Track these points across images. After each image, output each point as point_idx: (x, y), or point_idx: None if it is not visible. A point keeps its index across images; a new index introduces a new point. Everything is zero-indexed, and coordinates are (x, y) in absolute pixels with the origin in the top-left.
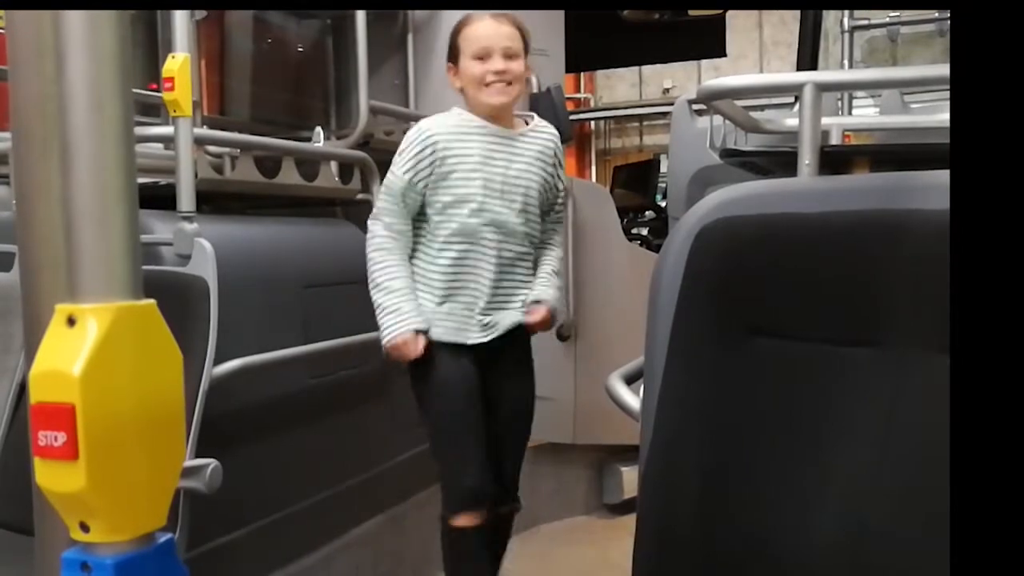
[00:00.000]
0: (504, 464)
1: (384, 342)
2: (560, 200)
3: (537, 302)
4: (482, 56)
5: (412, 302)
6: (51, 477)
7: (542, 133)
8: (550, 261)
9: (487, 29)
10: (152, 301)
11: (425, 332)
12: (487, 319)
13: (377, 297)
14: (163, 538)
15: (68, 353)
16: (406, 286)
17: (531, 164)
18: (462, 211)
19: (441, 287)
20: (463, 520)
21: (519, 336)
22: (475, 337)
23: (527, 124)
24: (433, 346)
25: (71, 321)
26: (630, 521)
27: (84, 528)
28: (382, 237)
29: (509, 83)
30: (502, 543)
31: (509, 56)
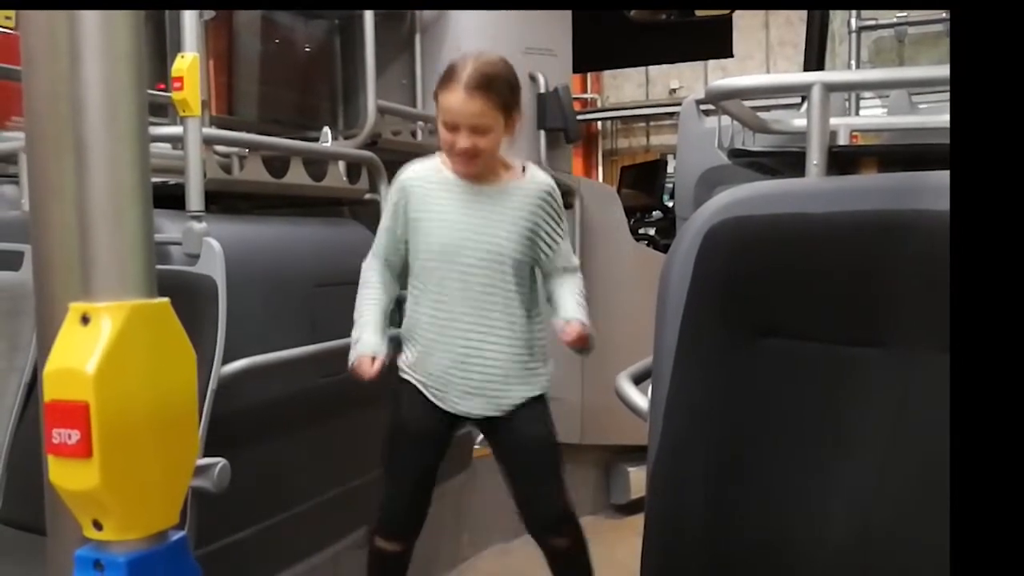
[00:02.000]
0: (536, 500)
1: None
2: (563, 254)
3: (568, 321)
4: (450, 128)
5: (371, 331)
6: (64, 475)
7: (529, 186)
8: (570, 290)
9: (457, 105)
10: (166, 300)
11: (380, 356)
12: (463, 391)
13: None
14: (176, 536)
15: (82, 351)
16: (372, 319)
17: (508, 219)
18: (428, 263)
19: (418, 337)
20: (380, 542)
21: (523, 408)
22: (451, 405)
23: (522, 172)
24: (405, 386)
25: (85, 319)
26: (637, 521)
27: (97, 526)
28: (364, 283)
29: (475, 156)
30: (570, 573)
31: (478, 132)
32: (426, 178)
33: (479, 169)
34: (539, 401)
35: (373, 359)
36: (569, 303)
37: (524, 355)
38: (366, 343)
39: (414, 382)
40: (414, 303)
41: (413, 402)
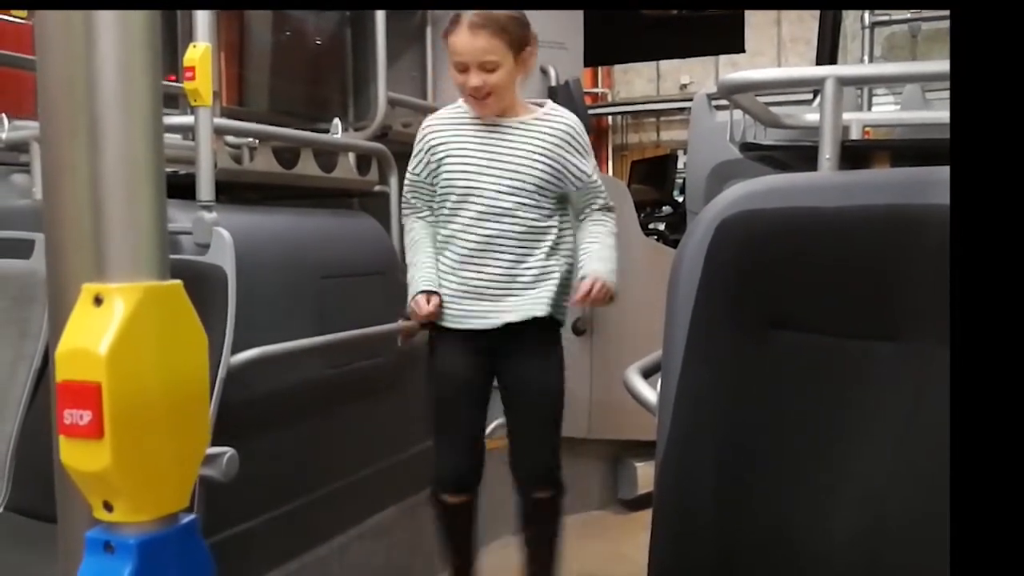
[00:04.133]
0: (531, 450)
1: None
2: (592, 190)
3: (583, 278)
4: (460, 69)
5: (425, 268)
6: (76, 456)
7: (550, 120)
8: (594, 238)
9: (462, 43)
10: (178, 281)
11: (435, 292)
12: (484, 307)
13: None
14: (187, 519)
15: (95, 332)
16: (426, 258)
17: (531, 151)
18: (452, 197)
19: (447, 272)
20: (447, 497)
21: (535, 329)
22: (475, 323)
23: (540, 109)
24: (439, 334)
25: (98, 300)
26: (644, 516)
27: (108, 507)
28: (407, 222)
29: (488, 94)
30: (544, 527)
31: (487, 69)
32: (447, 119)
33: (496, 107)
34: (551, 340)
35: (429, 297)
36: (591, 255)
37: (537, 271)
38: (421, 279)
39: (442, 323)
40: (444, 243)
41: (444, 344)
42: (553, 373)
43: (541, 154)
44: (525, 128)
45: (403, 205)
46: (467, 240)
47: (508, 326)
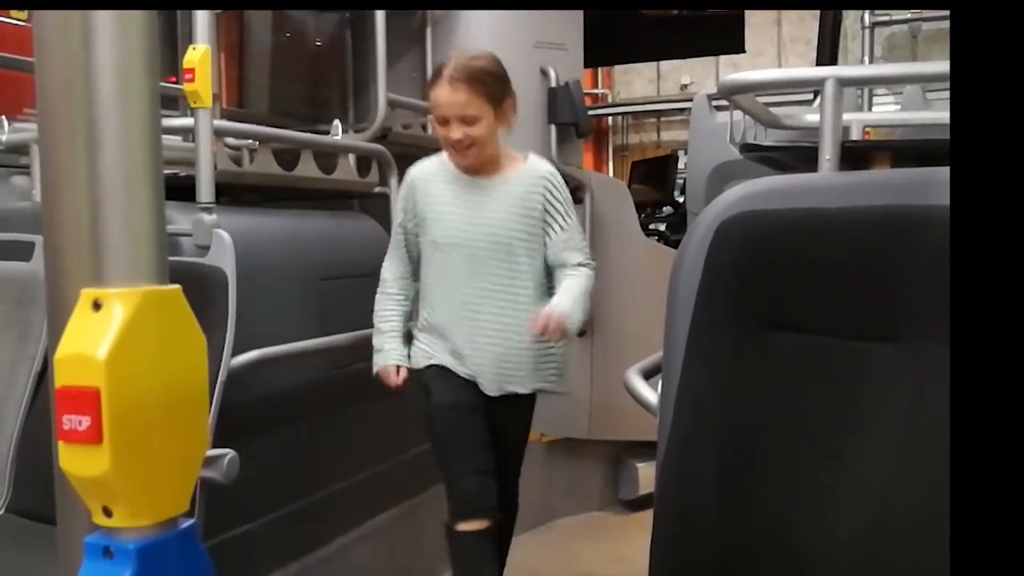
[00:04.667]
0: (506, 478)
1: (373, 373)
2: (570, 245)
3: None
4: (442, 122)
5: (393, 341)
6: (75, 461)
7: (529, 174)
8: (567, 285)
9: (443, 97)
10: (177, 286)
11: (404, 364)
12: (473, 365)
13: (373, 336)
14: (185, 523)
15: (93, 337)
16: (391, 328)
17: (508, 209)
18: (435, 253)
19: (432, 323)
20: (463, 525)
21: (521, 402)
22: (464, 372)
23: (523, 162)
24: (431, 370)
25: (97, 305)
26: (645, 517)
27: (107, 513)
28: (382, 282)
29: (469, 147)
30: (505, 545)
31: (467, 122)
32: (430, 173)
33: (476, 160)
34: (533, 398)
35: (398, 369)
36: (560, 294)
37: (530, 346)
38: (388, 352)
39: (440, 363)
40: (427, 293)
41: (446, 382)
42: (528, 423)
43: (527, 210)
44: (506, 186)
45: (385, 259)
46: (451, 299)
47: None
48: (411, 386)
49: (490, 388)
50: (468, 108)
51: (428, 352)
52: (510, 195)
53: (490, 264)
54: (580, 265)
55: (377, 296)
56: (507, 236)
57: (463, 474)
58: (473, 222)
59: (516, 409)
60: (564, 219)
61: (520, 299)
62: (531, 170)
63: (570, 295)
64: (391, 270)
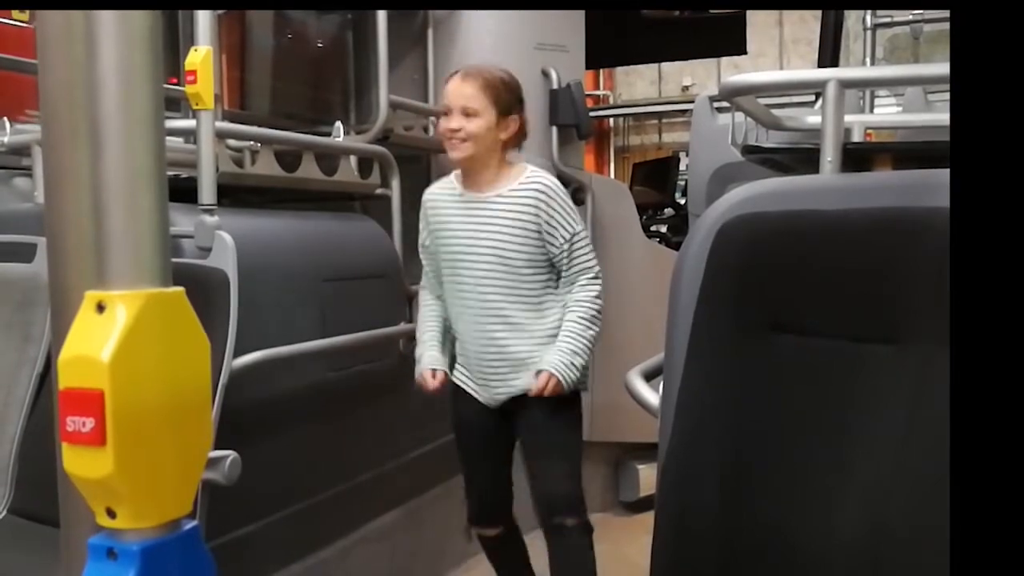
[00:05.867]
0: (541, 486)
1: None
2: (577, 258)
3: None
4: (445, 112)
5: (432, 349)
6: (79, 463)
7: (523, 191)
8: (566, 326)
9: (452, 87)
10: (180, 289)
11: (442, 369)
12: (481, 380)
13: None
14: (189, 525)
15: (97, 339)
16: (430, 338)
17: (504, 225)
18: (447, 271)
19: (456, 338)
20: (476, 530)
21: (534, 400)
22: (477, 391)
23: (522, 176)
24: (453, 385)
25: (100, 307)
26: (646, 519)
27: (111, 514)
28: (420, 292)
29: (464, 140)
30: (563, 558)
31: (467, 114)
32: (439, 193)
33: (468, 157)
34: (559, 402)
35: (435, 373)
36: (555, 347)
37: (537, 348)
38: (427, 359)
39: (458, 382)
40: (449, 309)
41: (460, 401)
42: (562, 431)
43: (522, 225)
44: (504, 200)
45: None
46: (464, 313)
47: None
48: (445, 392)
49: (489, 401)
50: (471, 101)
51: (457, 366)
52: (506, 211)
53: (495, 280)
54: (587, 285)
55: (418, 312)
56: (506, 252)
57: (468, 490)
58: (474, 239)
59: (527, 410)
60: (565, 229)
61: (526, 309)
62: (526, 184)
63: (567, 344)
64: (426, 284)
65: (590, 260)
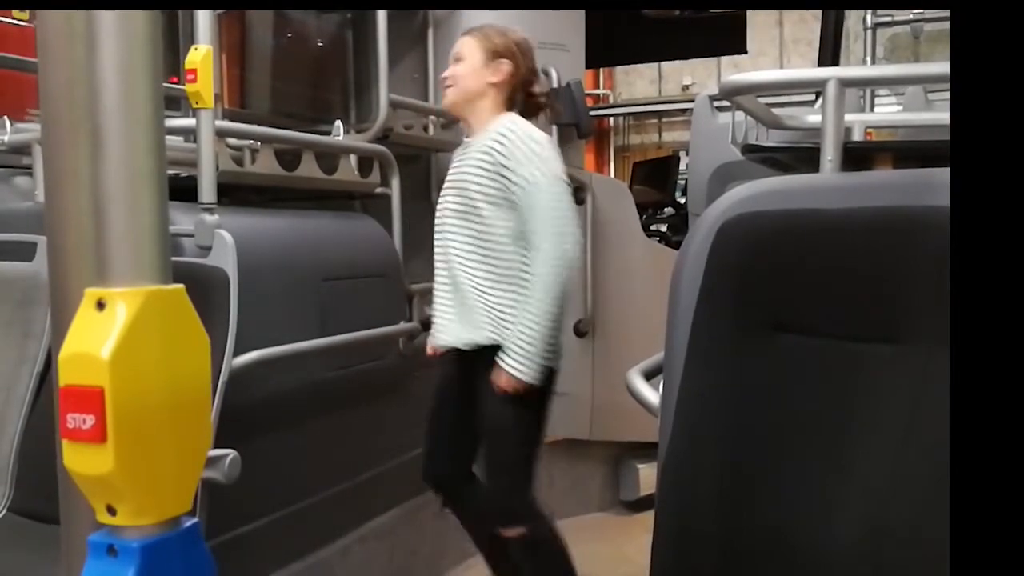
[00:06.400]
0: (484, 491)
1: None
2: (537, 209)
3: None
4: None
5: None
6: (79, 460)
7: (489, 134)
8: (521, 314)
9: (455, 44)
10: (180, 286)
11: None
12: (439, 323)
13: None
14: (189, 522)
15: (97, 336)
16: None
17: (471, 169)
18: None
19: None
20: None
21: (487, 358)
22: (439, 338)
23: (503, 121)
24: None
25: (100, 305)
26: (646, 518)
27: (111, 511)
28: None
29: (450, 85)
30: (507, 564)
31: (456, 60)
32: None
33: (455, 102)
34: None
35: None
36: (509, 342)
37: (478, 294)
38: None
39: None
40: None
41: (441, 362)
42: (496, 413)
43: (482, 167)
44: (479, 141)
45: None
46: (436, 257)
47: (470, 351)
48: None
49: (452, 339)
50: (461, 48)
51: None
52: (475, 150)
53: (452, 214)
54: (548, 251)
55: None
56: (470, 193)
57: (426, 452)
58: (451, 179)
59: (486, 385)
60: (526, 170)
61: (488, 264)
62: (493, 127)
63: (522, 338)
64: None
65: (555, 218)
